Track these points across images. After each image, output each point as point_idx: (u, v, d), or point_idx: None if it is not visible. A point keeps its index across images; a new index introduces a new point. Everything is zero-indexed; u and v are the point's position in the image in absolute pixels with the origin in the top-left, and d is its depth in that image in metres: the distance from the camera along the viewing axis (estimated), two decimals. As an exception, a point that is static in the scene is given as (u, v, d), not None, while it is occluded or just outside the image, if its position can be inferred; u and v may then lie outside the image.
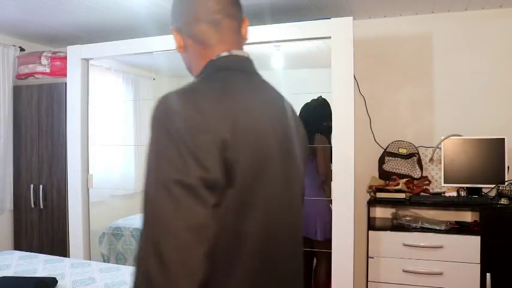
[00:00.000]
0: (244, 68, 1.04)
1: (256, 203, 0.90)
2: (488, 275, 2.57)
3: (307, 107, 3.14)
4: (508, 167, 2.81)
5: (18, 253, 2.78)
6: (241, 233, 0.88)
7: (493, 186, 2.82)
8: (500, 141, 2.81)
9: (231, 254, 0.88)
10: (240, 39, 1.08)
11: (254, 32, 2.71)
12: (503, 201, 2.64)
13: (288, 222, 1.01)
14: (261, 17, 3.12)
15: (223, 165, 0.84)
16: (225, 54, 1.03)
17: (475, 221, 2.82)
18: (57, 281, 2.19)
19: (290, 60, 3.73)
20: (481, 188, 2.88)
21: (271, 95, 1.07)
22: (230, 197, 0.85)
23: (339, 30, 2.56)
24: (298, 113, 1.13)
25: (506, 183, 2.76)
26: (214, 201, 0.82)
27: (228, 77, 0.99)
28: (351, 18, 2.56)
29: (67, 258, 2.73)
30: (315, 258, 3.13)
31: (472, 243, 2.61)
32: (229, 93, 0.93)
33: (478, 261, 2.59)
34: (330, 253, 2.57)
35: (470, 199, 2.79)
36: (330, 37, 2.58)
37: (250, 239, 0.89)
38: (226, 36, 1.04)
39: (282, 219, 0.99)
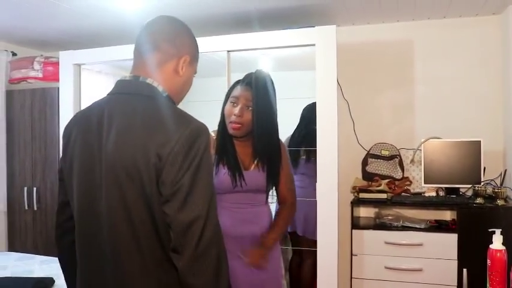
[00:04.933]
0: None
1: None
2: (464, 270, 2.68)
3: (309, 108, 3.22)
4: (484, 168, 2.95)
5: (14, 254, 2.86)
6: None
7: (469, 186, 2.96)
8: (477, 144, 2.96)
9: None
10: None
11: (242, 39, 2.84)
12: (479, 200, 2.77)
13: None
14: (249, 24, 3.24)
15: None
16: None
17: (453, 219, 2.96)
18: (54, 281, 2.28)
19: (275, 62, 3.82)
20: (459, 188, 3.02)
21: None
22: None
23: (323, 38, 2.66)
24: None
25: (482, 183, 2.90)
26: None
27: None
28: (334, 26, 2.65)
29: (62, 259, 2.81)
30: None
31: (450, 241, 2.75)
32: None
33: (456, 257, 2.73)
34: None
35: (448, 199, 2.93)
36: (314, 44, 2.68)
37: None
38: None
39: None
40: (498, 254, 1.52)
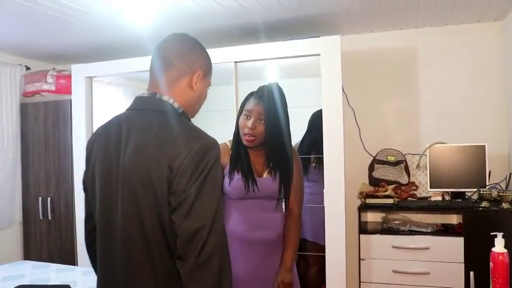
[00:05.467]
0: None
1: None
2: (471, 273, 2.72)
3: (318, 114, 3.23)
4: (490, 171, 3.00)
5: (31, 263, 2.94)
6: None
7: (475, 190, 3.00)
8: (481, 148, 3.00)
9: None
10: None
11: (249, 50, 2.92)
12: (484, 204, 2.81)
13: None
14: (255, 35, 3.32)
15: None
16: None
17: (459, 223, 3.00)
18: (71, 288, 2.36)
19: (282, 70, 3.88)
20: (465, 192, 3.06)
21: None
22: None
23: (328, 48, 2.73)
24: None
25: (487, 187, 2.94)
26: None
27: None
28: (339, 36, 2.72)
29: (78, 267, 2.90)
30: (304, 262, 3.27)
31: (456, 244, 2.79)
32: None
33: (462, 260, 2.77)
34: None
35: (453, 203, 2.97)
36: (319, 54, 2.76)
37: None
38: None
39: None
40: (500, 257, 1.56)
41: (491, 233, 1.62)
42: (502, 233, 1.60)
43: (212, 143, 1.18)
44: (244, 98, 2.08)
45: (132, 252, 1.18)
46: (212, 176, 1.14)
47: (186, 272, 1.11)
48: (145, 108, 1.27)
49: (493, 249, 1.59)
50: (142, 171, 1.15)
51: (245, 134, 1.97)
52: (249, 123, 1.96)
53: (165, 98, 1.26)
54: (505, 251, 1.57)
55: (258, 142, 1.98)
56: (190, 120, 1.30)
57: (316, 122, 3.23)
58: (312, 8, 2.85)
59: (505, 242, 1.59)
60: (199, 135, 1.19)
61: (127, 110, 1.31)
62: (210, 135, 1.22)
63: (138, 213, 1.16)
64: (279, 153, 2.00)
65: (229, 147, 2.05)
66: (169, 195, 1.12)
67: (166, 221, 1.14)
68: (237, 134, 2.04)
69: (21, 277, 2.63)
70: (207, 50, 1.38)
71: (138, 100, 1.30)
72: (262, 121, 1.96)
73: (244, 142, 1.99)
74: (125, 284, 1.21)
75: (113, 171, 1.23)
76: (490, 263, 1.59)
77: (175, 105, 1.26)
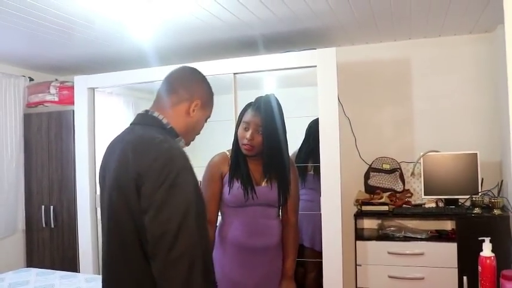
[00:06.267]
0: None
1: None
2: (464, 278, 2.81)
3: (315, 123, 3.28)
4: (482, 179, 3.08)
5: (35, 270, 3.00)
6: None
7: (467, 197, 3.08)
8: (474, 156, 3.09)
9: None
10: None
11: (247, 62, 3.00)
12: (477, 210, 2.89)
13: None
14: (254, 47, 3.41)
15: None
16: None
17: (452, 229, 3.07)
18: (75, 294, 2.43)
19: (279, 80, 3.97)
20: (458, 198, 3.14)
21: None
22: None
23: (324, 59, 2.81)
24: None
25: (479, 194, 3.02)
26: None
27: None
28: (334, 48, 2.81)
29: (81, 274, 2.96)
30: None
31: (450, 250, 2.86)
32: None
33: (456, 265, 2.84)
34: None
35: (447, 209, 3.05)
36: (315, 66, 2.84)
37: None
38: None
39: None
40: (488, 261, 1.64)
41: (480, 238, 1.70)
42: (489, 238, 1.67)
43: (179, 154, 1.28)
44: (242, 109, 2.17)
45: (112, 253, 1.33)
46: (178, 184, 1.22)
47: (155, 271, 1.20)
48: (138, 123, 1.43)
49: (481, 254, 1.67)
50: (118, 176, 1.29)
51: (244, 144, 2.05)
52: (248, 134, 2.04)
53: (156, 114, 1.41)
54: (492, 255, 1.65)
55: (256, 151, 2.07)
56: (176, 137, 1.42)
57: (313, 130, 3.29)
58: (307, 21, 2.94)
59: (497, 247, 1.67)
60: (169, 146, 1.28)
61: (130, 124, 1.47)
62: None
63: (116, 214, 1.30)
64: (277, 162, 2.08)
65: (229, 156, 2.13)
66: (140, 199, 1.22)
67: (138, 223, 1.24)
68: (236, 143, 2.12)
69: (26, 284, 2.69)
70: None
71: (136, 116, 1.46)
72: (260, 132, 2.04)
73: (244, 151, 2.07)
74: (110, 284, 1.35)
75: (105, 180, 1.38)
76: (479, 267, 1.67)
77: (164, 121, 1.40)
